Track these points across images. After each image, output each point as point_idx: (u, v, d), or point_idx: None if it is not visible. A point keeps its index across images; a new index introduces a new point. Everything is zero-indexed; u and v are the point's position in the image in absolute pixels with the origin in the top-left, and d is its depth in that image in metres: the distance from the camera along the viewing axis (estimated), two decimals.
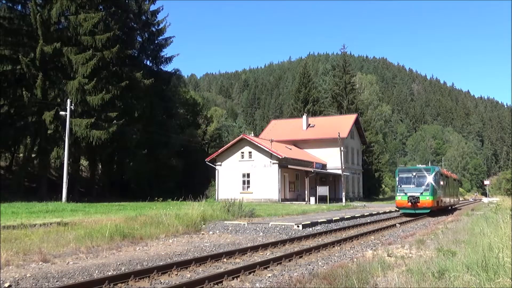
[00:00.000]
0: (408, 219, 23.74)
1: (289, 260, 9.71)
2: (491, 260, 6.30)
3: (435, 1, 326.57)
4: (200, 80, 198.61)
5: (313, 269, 8.62)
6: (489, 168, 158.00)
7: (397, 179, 26.35)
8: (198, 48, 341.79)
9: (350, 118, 54.21)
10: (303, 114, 56.77)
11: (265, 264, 8.98)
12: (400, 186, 25.59)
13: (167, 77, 47.41)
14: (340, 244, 12.55)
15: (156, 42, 46.52)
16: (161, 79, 44.73)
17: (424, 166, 29.00)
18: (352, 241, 13.51)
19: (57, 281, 7.66)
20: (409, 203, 24.56)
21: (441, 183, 27.40)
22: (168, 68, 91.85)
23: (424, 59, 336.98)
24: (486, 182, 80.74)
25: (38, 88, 32.40)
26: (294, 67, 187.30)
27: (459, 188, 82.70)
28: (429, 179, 24.94)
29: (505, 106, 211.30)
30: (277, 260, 9.47)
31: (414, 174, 25.46)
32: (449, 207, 33.90)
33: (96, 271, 8.48)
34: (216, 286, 7.32)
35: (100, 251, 10.82)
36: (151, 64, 47.05)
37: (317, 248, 11.42)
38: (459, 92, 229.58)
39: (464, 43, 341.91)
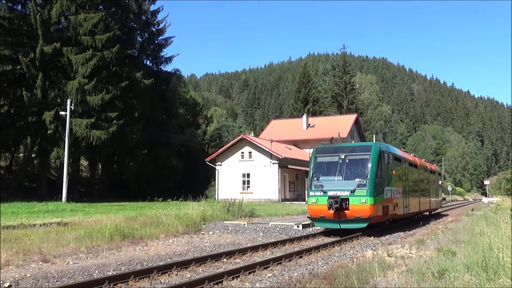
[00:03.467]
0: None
1: (289, 260, 9.71)
2: (491, 260, 6.30)
3: (435, 1, 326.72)
4: (200, 80, 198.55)
5: (313, 269, 8.62)
6: (489, 168, 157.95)
7: (312, 165, 15.44)
8: (198, 48, 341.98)
9: (350, 118, 54.23)
10: (303, 114, 56.80)
11: (265, 264, 8.97)
12: (317, 179, 14.92)
13: (167, 77, 47.41)
14: (340, 244, 12.55)
15: (156, 42, 46.51)
16: (161, 79, 44.73)
17: (361, 143, 18.64)
18: (352, 241, 13.51)
19: (57, 281, 7.66)
20: (330, 210, 13.93)
21: (396, 173, 16.78)
22: (168, 68, 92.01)
23: (424, 59, 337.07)
24: (486, 182, 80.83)
25: (38, 88, 32.40)
26: (294, 67, 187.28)
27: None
28: (369, 165, 14.41)
29: (505, 106, 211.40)
30: (277, 260, 9.47)
31: (343, 156, 14.89)
32: (419, 215, 23.01)
33: (96, 271, 8.48)
34: (216, 286, 7.31)
35: (100, 251, 10.82)
36: (151, 64, 47.06)
37: (317, 248, 11.42)
38: (459, 92, 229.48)
39: (464, 43, 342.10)
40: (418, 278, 6.50)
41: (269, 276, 8.06)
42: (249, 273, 8.27)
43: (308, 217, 15.76)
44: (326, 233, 15.21)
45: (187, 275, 8.27)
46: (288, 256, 9.86)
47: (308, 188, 15.18)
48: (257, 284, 7.44)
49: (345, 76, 67.64)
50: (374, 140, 52.36)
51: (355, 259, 9.50)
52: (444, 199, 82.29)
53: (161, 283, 7.63)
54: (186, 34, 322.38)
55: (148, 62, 47.03)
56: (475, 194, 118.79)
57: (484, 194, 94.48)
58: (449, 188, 77.73)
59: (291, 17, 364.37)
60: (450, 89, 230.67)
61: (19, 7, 36.08)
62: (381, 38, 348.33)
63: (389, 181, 15.68)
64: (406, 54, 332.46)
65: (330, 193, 14.17)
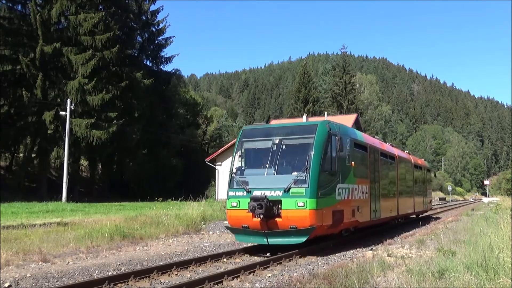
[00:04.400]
0: None
1: (289, 260, 9.70)
2: (491, 260, 6.30)
3: (435, 1, 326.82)
4: (200, 80, 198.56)
5: (313, 269, 8.62)
6: (489, 168, 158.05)
7: (235, 154, 11.57)
8: (198, 48, 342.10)
9: (350, 118, 54.09)
10: (303, 114, 56.45)
11: (265, 264, 8.97)
12: (240, 173, 11.16)
13: (167, 77, 47.44)
14: (340, 244, 12.53)
15: (156, 42, 46.54)
16: (161, 79, 44.75)
17: (304, 122, 13.02)
18: (352, 241, 13.49)
19: (57, 281, 7.66)
20: (256, 217, 10.10)
21: (357, 165, 12.40)
22: (168, 68, 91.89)
23: (424, 59, 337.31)
24: (486, 182, 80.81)
25: (38, 88, 32.42)
26: (294, 67, 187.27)
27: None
28: (311, 152, 10.42)
29: (505, 106, 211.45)
30: (277, 260, 9.47)
31: (277, 141, 10.89)
32: (399, 219, 18.89)
33: (96, 271, 8.47)
34: (216, 286, 7.31)
35: (100, 251, 10.82)
36: (151, 64, 47.12)
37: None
38: (459, 92, 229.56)
39: (464, 43, 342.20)
40: (418, 278, 6.50)
41: (269, 276, 8.05)
42: (249, 273, 8.27)
43: (226, 227, 11.77)
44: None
45: (187, 275, 8.27)
46: (288, 256, 9.86)
47: (228, 186, 11.06)
48: (257, 284, 7.44)
49: (345, 76, 67.65)
50: None
51: (355, 259, 9.50)
52: (444, 199, 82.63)
53: (161, 283, 7.63)
54: (186, 34, 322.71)
55: (148, 62, 47.11)
56: (475, 194, 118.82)
57: (484, 194, 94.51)
58: (449, 188, 77.77)
59: (291, 17, 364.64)
60: (450, 89, 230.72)
61: (19, 7, 36.12)
62: (381, 38, 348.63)
63: (344, 176, 11.39)
64: (406, 54, 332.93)
65: (256, 193, 10.16)
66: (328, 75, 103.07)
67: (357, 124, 55.23)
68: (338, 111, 65.00)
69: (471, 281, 5.84)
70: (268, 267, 8.92)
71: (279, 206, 10.07)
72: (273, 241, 10.16)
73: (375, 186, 14.12)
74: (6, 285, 7.28)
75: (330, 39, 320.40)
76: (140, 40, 46.23)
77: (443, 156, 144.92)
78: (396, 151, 18.40)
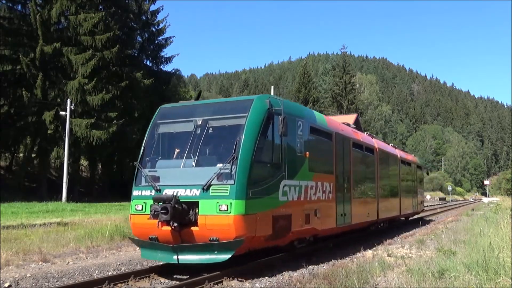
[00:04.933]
0: None
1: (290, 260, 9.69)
2: (492, 260, 6.30)
3: (435, 1, 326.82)
4: (200, 80, 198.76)
5: (313, 269, 8.61)
6: (489, 168, 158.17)
7: (146, 140, 9.17)
8: (198, 48, 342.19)
9: (350, 118, 54.13)
10: None
11: (265, 263, 8.94)
12: (151, 165, 8.63)
13: (167, 77, 47.38)
14: (340, 244, 12.52)
15: (156, 42, 46.52)
16: (161, 79, 44.70)
17: (238, 97, 11.55)
18: (352, 241, 13.49)
19: (57, 281, 7.66)
20: (166, 225, 7.62)
21: (315, 157, 9.90)
22: (168, 68, 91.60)
23: (424, 59, 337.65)
24: (486, 182, 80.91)
25: (38, 88, 32.42)
26: (294, 67, 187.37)
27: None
28: (241, 136, 7.78)
29: (505, 106, 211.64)
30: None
31: (200, 122, 8.39)
32: (381, 224, 16.54)
33: (96, 271, 8.47)
34: (216, 286, 7.31)
35: (100, 251, 10.82)
36: (151, 64, 47.05)
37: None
38: (459, 92, 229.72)
39: (464, 43, 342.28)
40: (418, 278, 6.50)
41: (269, 276, 8.04)
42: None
43: (130, 238, 8.87)
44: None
45: (187, 275, 8.26)
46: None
47: (134, 182, 8.53)
48: (257, 284, 7.43)
49: (345, 76, 67.73)
50: None
51: (355, 259, 9.51)
52: (444, 199, 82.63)
53: (161, 283, 7.63)
54: (186, 34, 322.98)
55: (148, 62, 47.06)
56: (475, 194, 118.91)
57: (484, 194, 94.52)
58: (449, 188, 77.89)
59: (291, 17, 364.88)
60: (450, 89, 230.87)
61: (19, 7, 36.11)
62: (381, 38, 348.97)
63: (294, 170, 8.86)
64: (406, 54, 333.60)
65: (167, 192, 7.66)
66: (328, 75, 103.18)
67: (357, 124, 55.31)
68: (338, 111, 65.07)
69: (471, 281, 5.85)
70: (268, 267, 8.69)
71: (196, 210, 7.51)
72: (185, 259, 7.48)
73: (344, 184, 11.60)
74: (6, 285, 7.28)
75: (330, 39, 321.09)
76: (140, 40, 46.22)
77: (443, 156, 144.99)
78: (376, 143, 15.65)
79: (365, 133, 16.18)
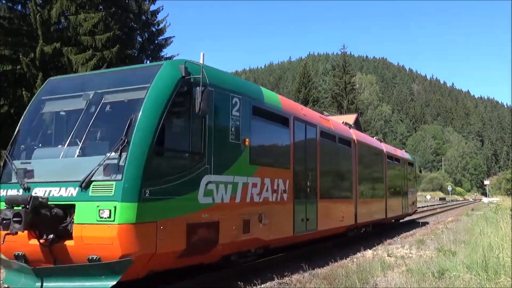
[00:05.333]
0: None
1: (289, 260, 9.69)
2: (491, 260, 6.31)
3: (435, 1, 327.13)
4: None
5: (313, 269, 8.61)
6: (489, 168, 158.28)
7: (25, 121, 7.74)
8: (198, 48, 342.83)
9: (350, 118, 54.16)
10: None
11: (265, 263, 8.94)
12: (26, 155, 6.44)
13: None
14: (340, 244, 12.54)
15: (156, 42, 46.56)
16: None
17: (142, 64, 6.47)
18: (352, 241, 13.50)
19: None
20: (40, 239, 5.44)
21: (260, 146, 7.91)
22: None
23: (424, 59, 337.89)
24: (486, 182, 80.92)
25: (38, 88, 32.45)
26: (294, 67, 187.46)
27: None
28: (138, 114, 5.59)
29: (505, 106, 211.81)
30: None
31: (91, 96, 6.27)
32: (367, 228, 14.67)
33: None
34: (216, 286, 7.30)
35: None
36: None
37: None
38: (459, 92, 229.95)
39: (464, 43, 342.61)
40: (418, 278, 6.51)
41: (269, 276, 8.05)
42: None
43: None
44: None
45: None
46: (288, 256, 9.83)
47: None
48: (257, 285, 7.42)
49: (345, 76, 67.73)
50: None
51: (355, 259, 9.52)
52: (444, 199, 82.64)
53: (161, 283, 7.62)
54: (186, 34, 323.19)
55: (148, 62, 47.14)
56: (475, 194, 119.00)
57: (484, 194, 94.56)
58: (449, 188, 77.96)
59: (291, 17, 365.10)
60: (450, 89, 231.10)
61: (19, 7, 36.10)
62: (381, 38, 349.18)
63: (224, 162, 6.80)
64: (406, 54, 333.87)
65: (38, 191, 5.68)
66: (328, 75, 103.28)
67: (357, 124, 55.32)
68: (338, 111, 65.11)
69: (471, 281, 5.85)
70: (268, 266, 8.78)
71: (71, 217, 5.46)
72: (52, 286, 5.30)
73: (307, 182, 9.48)
74: (6, 285, 7.28)
75: (330, 39, 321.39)
76: (140, 40, 46.26)
77: (443, 156, 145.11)
78: (355, 134, 13.34)
79: (343, 122, 13.48)
